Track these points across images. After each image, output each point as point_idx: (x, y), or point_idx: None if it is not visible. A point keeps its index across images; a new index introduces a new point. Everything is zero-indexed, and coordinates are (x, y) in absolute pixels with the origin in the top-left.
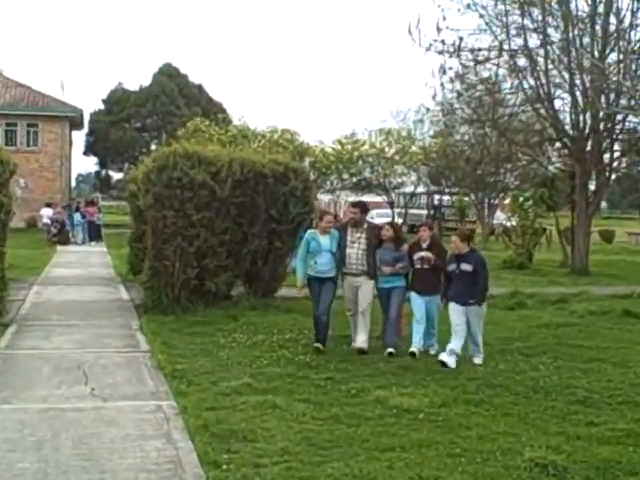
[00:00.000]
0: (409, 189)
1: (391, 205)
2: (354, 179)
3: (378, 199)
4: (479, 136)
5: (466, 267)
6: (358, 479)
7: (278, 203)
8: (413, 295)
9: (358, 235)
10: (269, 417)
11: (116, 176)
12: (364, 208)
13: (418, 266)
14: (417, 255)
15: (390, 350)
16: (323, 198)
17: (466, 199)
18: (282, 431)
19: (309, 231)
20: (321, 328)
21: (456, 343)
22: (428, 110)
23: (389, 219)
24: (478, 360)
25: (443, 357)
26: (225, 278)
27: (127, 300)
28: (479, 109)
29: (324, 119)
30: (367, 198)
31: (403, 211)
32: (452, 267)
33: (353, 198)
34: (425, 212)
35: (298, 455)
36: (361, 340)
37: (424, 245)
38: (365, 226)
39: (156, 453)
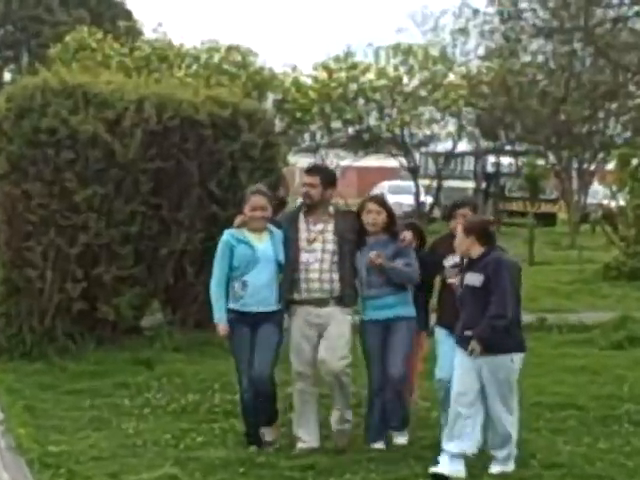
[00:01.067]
0: (444, 147)
1: (414, 174)
2: (351, 130)
3: (391, 164)
4: (562, 56)
5: (472, 280)
6: None
7: (222, 171)
8: (441, 335)
9: (320, 228)
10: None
11: None
12: (328, 177)
13: (454, 281)
14: (452, 260)
15: (379, 446)
16: (298, 162)
17: (541, 163)
18: None
19: (229, 231)
20: (254, 414)
21: (461, 439)
22: (476, 13)
23: (410, 198)
24: (500, 467)
25: (439, 467)
26: (131, 298)
27: None
28: (562, 11)
29: (300, 32)
30: (373, 162)
31: (434, 184)
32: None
33: (349, 161)
34: (472, 185)
35: None
36: (341, 419)
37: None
38: (331, 211)
39: None
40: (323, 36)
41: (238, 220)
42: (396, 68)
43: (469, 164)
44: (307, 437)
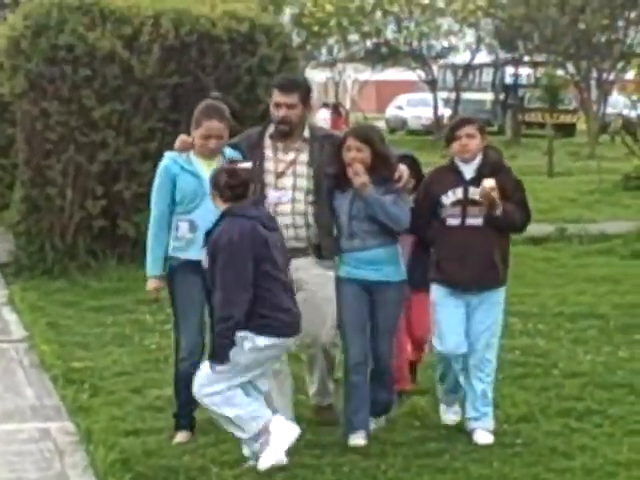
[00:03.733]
0: (462, 58)
1: (432, 86)
2: (368, 43)
3: (409, 76)
4: None
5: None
6: None
7: (240, 86)
8: (439, 293)
9: (291, 158)
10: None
11: None
12: (307, 93)
13: (453, 221)
14: (451, 195)
15: (360, 439)
16: (316, 77)
17: (560, 73)
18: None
19: (169, 153)
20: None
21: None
22: None
23: (428, 110)
24: (484, 435)
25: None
26: None
27: None
28: None
29: None
30: (391, 75)
31: (453, 96)
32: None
33: (367, 75)
34: (491, 97)
35: None
36: (325, 391)
37: (469, 173)
38: (306, 135)
39: None
40: None
41: (179, 142)
42: None
43: (487, 76)
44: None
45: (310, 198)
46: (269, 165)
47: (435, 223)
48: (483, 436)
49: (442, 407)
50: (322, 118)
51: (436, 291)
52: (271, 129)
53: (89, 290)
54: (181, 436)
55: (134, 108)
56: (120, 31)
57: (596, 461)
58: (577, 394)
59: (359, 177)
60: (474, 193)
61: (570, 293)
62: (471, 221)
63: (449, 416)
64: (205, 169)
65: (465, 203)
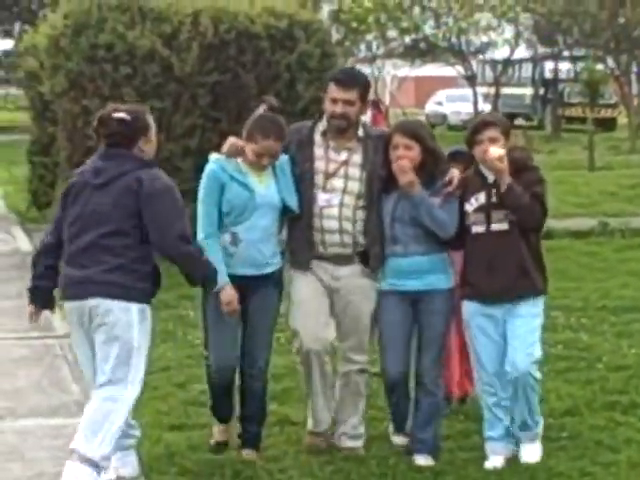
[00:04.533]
0: (502, 54)
1: (471, 82)
2: (407, 39)
3: (449, 72)
4: None
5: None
6: None
7: (279, 83)
8: (470, 310)
9: (343, 158)
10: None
11: (2, 45)
12: (367, 89)
13: (478, 228)
14: (474, 201)
15: (424, 459)
16: None
17: (599, 68)
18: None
19: (215, 157)
20: (227, 401)
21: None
22: None
23: (468, 106)
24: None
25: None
26: (193, 212)
27: (29, 252)
28: None
29: None
30: (430, 70)
31: (492, 91)
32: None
33: (406, 71)
34: (530, 91)
35: None
36: (350, 425)
37: (490, 174)
38: (361, 134)
39: None
40: None
41: (229, 147)
42: None
43: (527, 70)
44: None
45: (361, 203)
46: (319, 165)
47: (463, 234)
48: (529, 452)
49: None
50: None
51: (467, 308)
52: (323, 125)
53: None
54: (221, 436)
55: (174, 105)
56: (159, 29)
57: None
58: (622, 387)
59: (406, 174)
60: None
61: (613, 287)
62: (496, 226)
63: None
64: (257, 181)
65: (489, 208)
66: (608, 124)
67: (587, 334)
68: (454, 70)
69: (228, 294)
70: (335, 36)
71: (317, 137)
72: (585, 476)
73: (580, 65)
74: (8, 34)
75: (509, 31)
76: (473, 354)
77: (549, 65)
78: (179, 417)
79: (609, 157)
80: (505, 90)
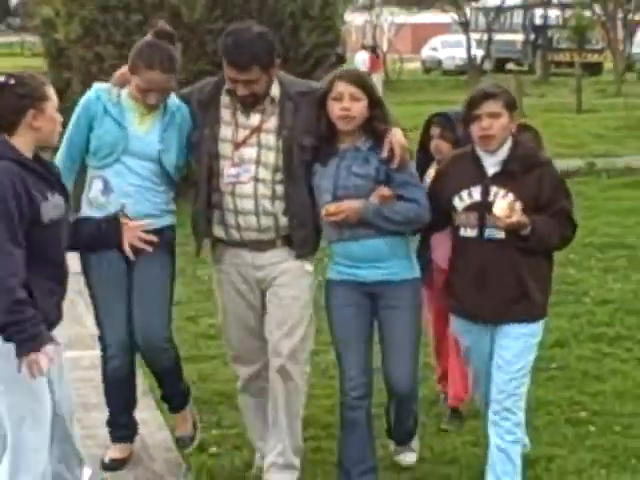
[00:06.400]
0: (494, 1)
1: (465, 28)
2: None
3: (443, 19)
4: None
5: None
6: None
7: (283, 30)
8: (459, 325)
9: (255, 123)
10: None
11: None
12: (264, 61)
13: (468, 232)
14: (466, 197)
15: (410, 459)
16: (354, 20)
17: (587, 14)
18: None
19: (98, 85)
20: (124, 391)
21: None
22: None
23: (462, 51)
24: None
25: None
26: None
27: None
28: None
29: None
30: (425, 18)
31: (485, 37)
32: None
33: (402, 18)
34: (521, 37)
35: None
36: (275, 452)
37: (492, 167)
38: (276, 93)
39: None
40: None
41: (118, 76)
42: None
43: (518, 17)
44: (265, 448)
45: (279, 176)
46: (226, 131)
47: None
48: None
49: None
50: (361, 59)
51: (456, 322)
52: (233, 88)
53: None
54: (118, 450)
55: (183, 51)
56: None
57: (626, 384)
58: (608, 320)
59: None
60: (496, 194)
61: (599, 224)
62: (491, 232)
63: None
64: (136, 121)
65: (484, 208)
66: (595, 68)
67: (574, 269)
68: (449, 17)
69: None
70: None
71: (224, 96)
72: (573, 405)
73: (568, 12)
74: None
75: None
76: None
77: (539, 12)
78: (190, 349)
79: (596, 100)
80: (497, 36)
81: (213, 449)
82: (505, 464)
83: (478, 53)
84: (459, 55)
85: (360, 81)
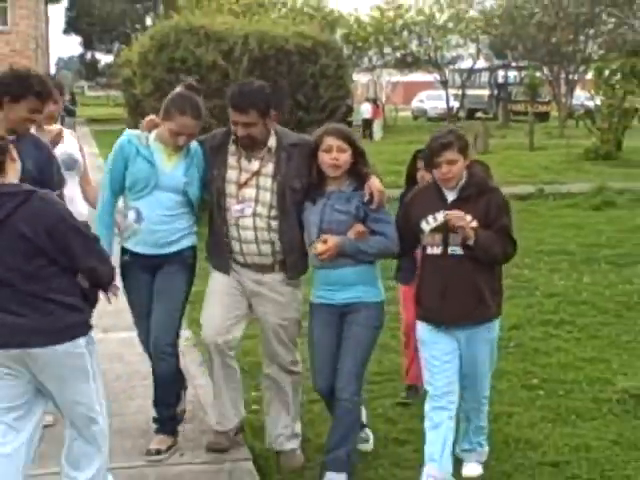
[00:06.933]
0: (466, 64)
1: (444, 85)
2: (398, 54)
3: (428, 78)
4: None
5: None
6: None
7: (306, 87)
8: (423, 329)
9: (255, 168)
10: None
11: (105, 59)
12: (266, 105)
13: (434, 250)
14: (431, 220)
15: (337, 477)
16: (360, 79)
17: (538, 75)
18: None
19: (131, 132)
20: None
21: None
22: None
23: (442, 103)
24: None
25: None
26: None
27: None
28: None
29: None
30: (415, 77)
31: (459, 92)
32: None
33: (397, 77)
34: (487, 92)
35: None
36: (282, 425)
37: (451, 194)
38: (272, 144)
39: None
40: None
41: (146, 123)
42: (430, 8)
43: (485, 77)
44: (225, 421)
45: (274, 212)
46: (231, 174)
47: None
48: (472, 468)
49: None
50: (365, 109)
51: (420, 328)
52: (238, 138)
53: None
54: (161, 443)
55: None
56: (219, 47)
57: (568, 358)
58: (553, 309)
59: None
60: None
61: (547, 236)
62: (453, 250)
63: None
64: (165, 159)
65: (447, 230)
66: (543, 116)
67: (528, 270)
68: (432, 77)
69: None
70: (346, 52)
71: (231, 145)
72: (527, 374)
73: (524, 73)
74: (109, 51)
75: (472, 48)
76: (425, 370)
77: (501, 73)
78: None
79: (544, 140)
80: (469, 91)
81: (254, 407)
82: (478, 434)
83: (455, 104)
84: (440, 106)
85: (345, 135)
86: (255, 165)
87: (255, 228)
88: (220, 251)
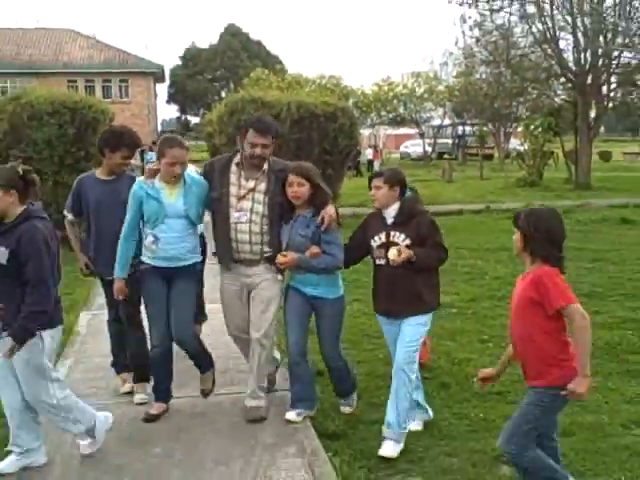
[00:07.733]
0: (437, 122)
1: (422, 136)
2: (390, 115)
3: (411, 131)
4: (495, 75)
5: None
6: None
7: (329, 138)
8: (380, 320)
9: (251, 186)
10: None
11: (194, 120)
12: (274, 133)
13: (380, 261)
14: (377, 239)
15: (293, 415)
16: (365, 132)
17: (485, 129)
18: None
19: (140, 179)
20: (164, 369)
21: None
22: (451, 54)
23: (420, 148)
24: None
25: (385, 448)
26: None
27: None
28: (495, 52)
29: (364, 65)
30: (402, 131)
31: (432, 141)
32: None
33: (390, 131)
34: (451, 141)
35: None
36: (250, 388)
37: (389, 219)
38: (266, 167)
39: None
40: (376, 66)
41: (147, 172)
42: (412, 84)
43: (449, 130)
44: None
45: (265, 221)
46: (233, 189)
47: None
48: (388, 447)
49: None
50: (369, 153)
51: (378, 318)
52: (237, 158)
53: None
54: (157, 407)
55: (278, 151)
56: (271, 111)
57: (506, 321)
58: (497, 287)
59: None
60: (394, 236)
61: (492, 238)
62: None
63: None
64: (167, 194)
65: (388, 245)
66: (489, 157)
67: (480, 261)
68: (414, 131)
69: (117, 285)
70: (355, 114)
71: (233, 167)
72: (479, 332)
73: (476, 127)
74: (197, 114)
75: (440, 111)
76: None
77: (460, 128)
78: None
79: (490, 173)
80: (439, 140)
81: None
82: (400, 389)
83: (429, 149)
84: (419, 150)
85: (303, 172)
86: (251, 183)
87: (250, 232)
88: (224, 249)
